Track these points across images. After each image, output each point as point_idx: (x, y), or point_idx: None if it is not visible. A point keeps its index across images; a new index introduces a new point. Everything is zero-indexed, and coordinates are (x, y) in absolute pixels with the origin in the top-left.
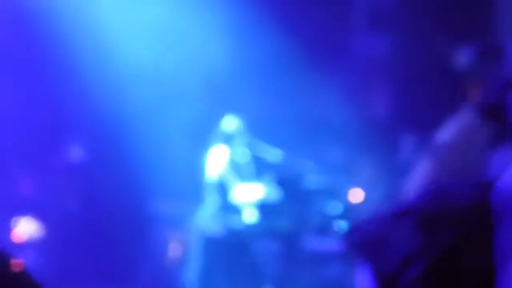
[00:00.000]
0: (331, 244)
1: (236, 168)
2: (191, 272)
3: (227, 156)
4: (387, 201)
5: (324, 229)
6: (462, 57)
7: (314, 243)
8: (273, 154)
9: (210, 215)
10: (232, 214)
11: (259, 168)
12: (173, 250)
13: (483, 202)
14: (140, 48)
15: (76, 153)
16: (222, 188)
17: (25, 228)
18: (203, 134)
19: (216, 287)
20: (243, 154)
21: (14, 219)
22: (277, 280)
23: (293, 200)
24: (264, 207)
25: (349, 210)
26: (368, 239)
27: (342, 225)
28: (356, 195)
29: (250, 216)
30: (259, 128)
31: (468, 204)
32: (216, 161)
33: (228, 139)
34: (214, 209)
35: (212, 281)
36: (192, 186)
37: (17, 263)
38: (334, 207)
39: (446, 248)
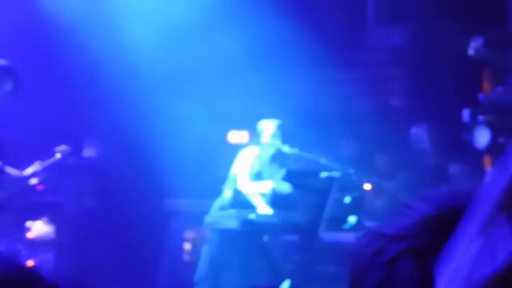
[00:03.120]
0: (347, 237)
1: (261, 167)
2: (204, 265)
3: (253, 156)
4: (403, 192)
5: (339, 222)
6: (472, 46)
7: (330, 236)
8: (289, 148)
9: (225, 208)
10: (247, 208)
11: (279, 165)
12: (190, 246)
13: None
14: (156, 48)
15: (91, 152)
16: (238, 183)
17: (41, 228)
18: (220, 134)
19: (230, 279)
20: (270, 153)
21: (29, 221)
22: (293, 272)
23: (309, 194)
24: (279, 201)
25: (365, 202)
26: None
27: (358, 217)
28: (371, 188)
29: (266, 210)
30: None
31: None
32: (242, 160)
33: (258, 141)
34: (230, 203)
35: (226, 273)
36: (209, 184)
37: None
38: (349, 200)
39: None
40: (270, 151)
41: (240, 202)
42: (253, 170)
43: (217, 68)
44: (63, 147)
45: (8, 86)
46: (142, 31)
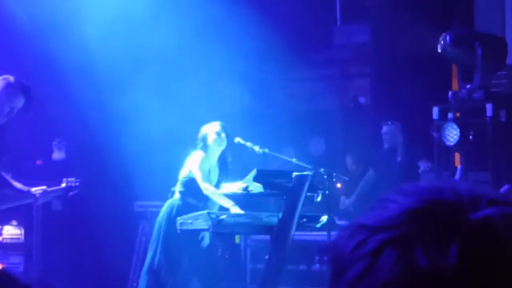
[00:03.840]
0: (318, 236)
1: (209, 169)
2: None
3: (199, 160)
4: (372, 190)
5: (311, 221)
6: (440, 43)
7: (302, 235)
8: (256, 149)
9: (172, 210)
10: (199, 207)
11: (242, 165)
12: None
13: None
14: (122, 50)
15: (61, 155)
16: (189, 185)
17: (11, 231)
18: (190, 135)
19: (197, 280)
20: (217, 155)
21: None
22: (265, 272)
23: (280, 193)
24: (250, 201)
25: (336, 201)
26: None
27: (329, 216)
28: (340, 186)
29: (237, 210)
30: (241, 123)
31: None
32: (196, 161)
33: (205, 145)
34: (178, 205)
35: (173, 273)
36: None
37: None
38: (320, 199)
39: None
40: (217, 153)
41: (190, 204)
42: (203, 173)
43: (186, 70)
44: (71, 179)
45: (20, 102)
46: (102, 32)
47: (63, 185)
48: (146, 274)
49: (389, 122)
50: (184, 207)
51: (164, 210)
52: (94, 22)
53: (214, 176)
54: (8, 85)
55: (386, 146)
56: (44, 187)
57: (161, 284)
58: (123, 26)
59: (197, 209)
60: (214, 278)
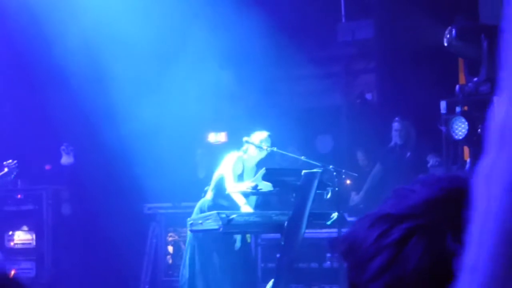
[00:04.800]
0: (327, 234)
1: (244, 170)
2: (187, 267)
3: (235, 159)
4: (381, 185)
5: (321, 218)
6: (444, 36)
7: (312, 233)
8: (264, 147)
9: (204, 211)
10: (229, 208)
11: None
12: (173, 248)
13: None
14: (127, 52)
15: (69, 159)
16: (221, 186)
17: (22, 236)
18: (198, 136)
19: (213, 280)
20: (257, 159)
21: (10, 230)
22: (276, 270)
23: (290, 192)
24: (260, 200)
25: (345, 197)
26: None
27: (339, 213)
28: (349, 182)
29: (248, 209)
30: (247, 122)
31: None
32: (225, 163)
33: (247, 148)
34: (209, 205)
35: (209, 274)
36: (189, 186)
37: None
38: (330, 196)
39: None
40: (254, 159)
41: (220, 205)
42: (235, 173)
43: (189, 70)
44: (10, 161)
45: None
46: (112, 36)
47: (6, 169)
48: (183, 271)
49: (397, 118)
50: (214, 208)
51: (195, 210)
52: (91, 23)
53: (248, 178)
54: None
55: (398, 142)
56: None
57: (194, 283)
58: (120, 25)
59: (227, 210)
60: (248, 280)
